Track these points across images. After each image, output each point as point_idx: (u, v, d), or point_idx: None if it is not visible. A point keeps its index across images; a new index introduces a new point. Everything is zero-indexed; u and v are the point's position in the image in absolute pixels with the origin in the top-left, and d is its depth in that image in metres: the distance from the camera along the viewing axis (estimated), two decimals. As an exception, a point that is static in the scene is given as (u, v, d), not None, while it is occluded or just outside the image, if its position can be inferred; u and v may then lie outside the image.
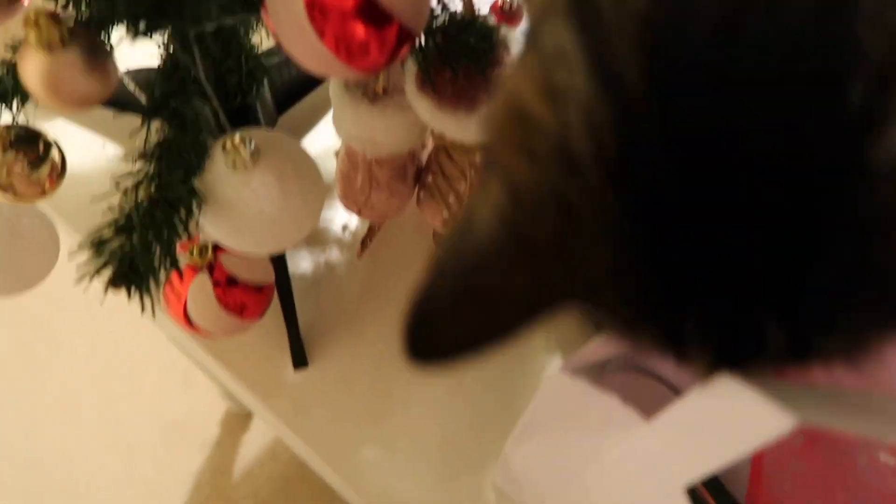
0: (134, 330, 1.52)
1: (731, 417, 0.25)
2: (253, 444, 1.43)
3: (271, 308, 0.58)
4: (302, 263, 0.64)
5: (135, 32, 0.33)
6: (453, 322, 0.24)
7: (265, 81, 0.61)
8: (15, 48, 0.45)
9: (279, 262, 0.55)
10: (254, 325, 0.54)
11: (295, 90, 0.70)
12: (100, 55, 0.32)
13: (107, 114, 0.68)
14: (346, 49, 0.34)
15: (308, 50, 0.35)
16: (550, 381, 0.33)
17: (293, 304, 0.59)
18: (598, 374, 0.52)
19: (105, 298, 0.39)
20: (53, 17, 0.30)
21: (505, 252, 0.21)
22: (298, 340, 0.60)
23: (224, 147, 0.41)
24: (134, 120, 0.45)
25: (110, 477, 1.37)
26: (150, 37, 0.35)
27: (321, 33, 0.33)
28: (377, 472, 0.56)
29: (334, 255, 0.65)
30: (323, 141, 0.72)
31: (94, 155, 0.69)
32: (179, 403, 1.45)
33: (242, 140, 0.41)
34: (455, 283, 0.23)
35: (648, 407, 0.34)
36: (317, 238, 0.66)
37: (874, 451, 0.37)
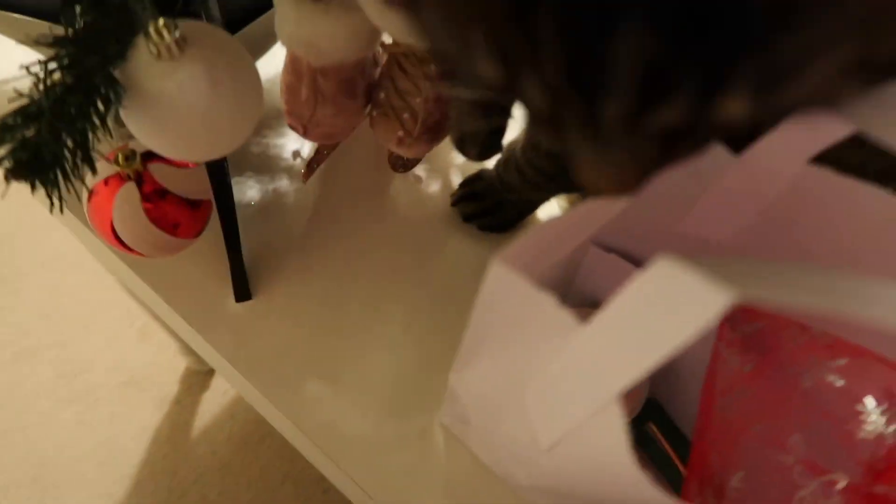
0: (90, 280, 1.48)
1: (668, 302, 0.22)
2: (212, 402, 1.40)
3: (213, 236, 0.55)
4: (248, 191, 0.61)
5: None
6: None
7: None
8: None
9: (219, 179, 0.51)
10: (190, 246, 0.50)
11: (246, 13, 0.66)
12: None
13: (29, 24, 0.64)
14: None
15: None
16: (490, 278, 0.30)
17: (236, 231, 0.56)
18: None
19: (6, 191, 0.36)
20: None
21: None
22: (241, 271, 0.56)
23: (147, 33, 0.38)
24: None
25: (64, 428, 1.33)
26: None
27: None
28: (321, 408, 0.53)
29: (284, 183, 0.62)
30: (274, 67, 0.67)
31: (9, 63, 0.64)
32: (138, 358, 1.42)
33: (167, 26, 0.38)
34: None
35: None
36: (265, 165, 0.63)
37: (821, 373, 0.35)
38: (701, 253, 0.39)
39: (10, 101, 0.37)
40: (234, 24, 0.66)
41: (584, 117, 0.19)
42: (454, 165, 0.64)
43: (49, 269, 1.50)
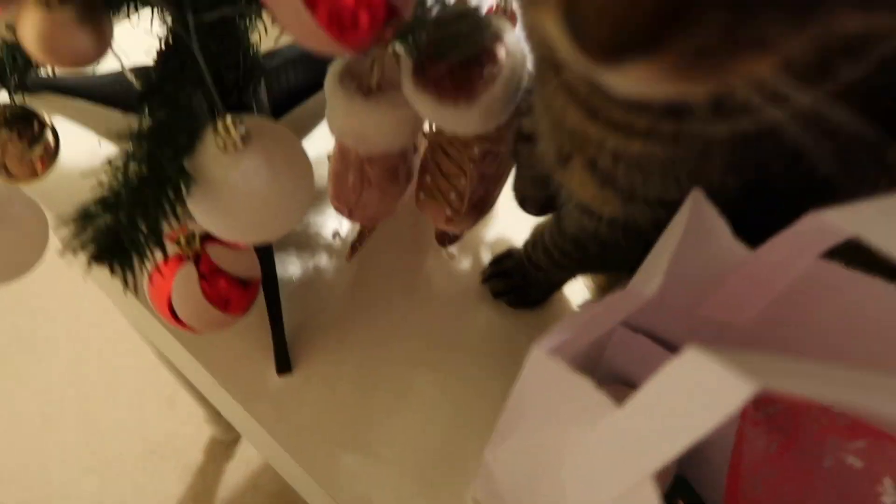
0: (118, 347, 1.51)
1: (696, 390, 0.24)
2: (236, 472, 1.40)
3: (257, 311, 0.58)
4: (290, 267, 0.64)
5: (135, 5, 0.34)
6: None
7: (262, 84, 0.62)
8: (13, 28, 0.46)
9: (266, 259, 0.54)
10: (237, 322, 0.53)
11: (290, 96, 0.71)
12: (95, 12, 0.33)
13: (108, 114, 0.70)
14: (336, 27, 0.34)
15: (299, 24, 0.36)
16: (530, 363, 0.32)
17: (279, 307, 0.59)
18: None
19: (87, 277, 0.39)
20: (51, -25, 0.31)
21: None
22: (283, 345, 0.59)
23: (215, 129, 0.42)
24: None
25: (87, 497, 1.34)
26: (150, 8, 0.35)
27: (313, 7, 0.34)
28: (357, 481, 0.55)
29: (324, 260, 0.65)
30: (316, 147, 0.72)
31: (90, 152, 0.69)
32: (162, 426, 1.43)
33: (233, 122, 0.42)
34: None
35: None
36: (306, 243, 0.66)
37: (841, 454, 0.37)
38: (724, 335, 0.42)
39: (91, 189, 0.41)
40: (278, 109, 0.71)
41: None
42: (484, 243, 0.68)
43: (76, 337, 1.53)
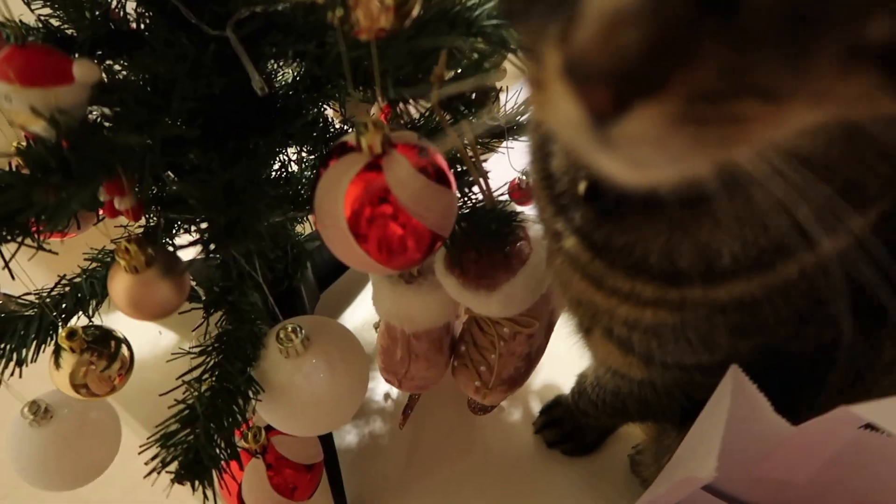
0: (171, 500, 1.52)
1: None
2: None
3: (320, 485, 0.60)
4: (347, 437, 0.66)
5: (207, 254, 0.38)
6: None
7: (308, 266, 0.67)
8: (93, 259, 0.51)
9: (327, 441, 0.57)
10: (304, 502, 0.55)
11: (334, 269, 0.76)
12: (177, 269, 0.37)
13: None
14: (385, 253, 0.38)
15: (349, 251, 0.39)
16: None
17: (342, 486, 0.61)
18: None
19: (169, 490, 0.42)
20: (140, 243, 0.36)
21: None
22: (347, 520, 0.61)
23: (278, 337, 0.45)
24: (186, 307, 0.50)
25: None
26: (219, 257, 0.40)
27: (362, 240, 0.38)
28: None
29: (377, 425, 0.67)
30: (361, 314, 0.76)
31: (152, 343, 0.74)
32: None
33: (294, 330, 0.45)
34: None
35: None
36: (360, 409, 0.68)
37: None
38: (782, 491, 0.43)
39: (170, 407, 0.44)
40: (322, 282, 0.76)
41: None
42: (532, 392, 0.69)
43: (133, 496, 1.54)
